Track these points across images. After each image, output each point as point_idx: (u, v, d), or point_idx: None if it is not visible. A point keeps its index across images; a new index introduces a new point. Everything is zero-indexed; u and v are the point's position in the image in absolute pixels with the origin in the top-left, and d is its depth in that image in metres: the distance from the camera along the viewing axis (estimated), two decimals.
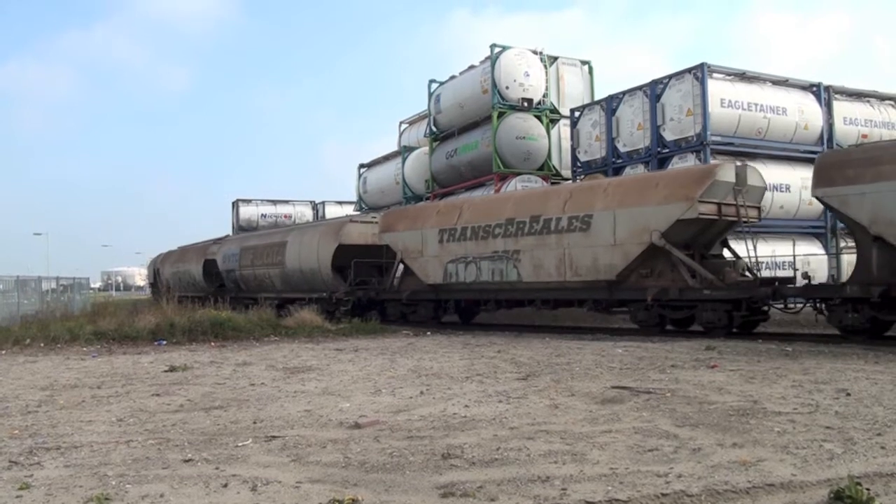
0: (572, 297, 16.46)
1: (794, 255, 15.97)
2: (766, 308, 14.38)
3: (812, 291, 13.43)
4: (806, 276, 13.95)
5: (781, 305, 14.06)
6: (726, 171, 14.42)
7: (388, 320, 20.31)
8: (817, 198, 13.23)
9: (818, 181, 12.87)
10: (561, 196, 16.62)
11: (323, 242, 22.41)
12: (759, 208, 15.39)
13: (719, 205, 14.18)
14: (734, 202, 14.37)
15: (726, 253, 15.91)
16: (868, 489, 4.03)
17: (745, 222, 14.62)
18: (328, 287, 22.09)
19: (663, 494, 4.12)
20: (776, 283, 14.07)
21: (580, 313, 18.09)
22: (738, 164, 15.24)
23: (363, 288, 21.37)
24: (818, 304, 13.42)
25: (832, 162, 13.05)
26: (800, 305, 14.09)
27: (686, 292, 14.31)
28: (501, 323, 19.83)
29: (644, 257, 14.75)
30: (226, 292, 27.44)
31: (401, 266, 20.53)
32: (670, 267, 14.69)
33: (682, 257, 14.35)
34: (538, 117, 26.14)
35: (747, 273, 14.89)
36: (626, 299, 15.49)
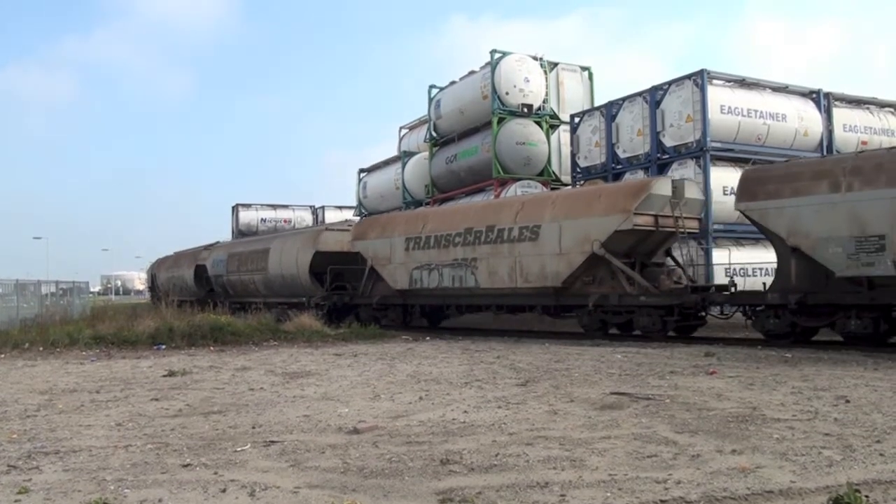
0: (524, 302, 17.43)
1: None
2: (702, 314, 15.14)
3: (738, 298, 14.30)
4: (733, 283, 14.64)
5: (718, 311, 15.07)
6: (662, 185, 15.30)
7: (362, 324, 20.63)
8: (741, 211, 13.86)
9: (741, 195, 13.62)
10: (513, 207, 17.48)
11: (301, 250, 23.25)
12: (698, 220, 16.21)
13: (656, 217, 14.95)
14: (671, 214, 15.08)
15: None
16: (867, 496, 4.04)
17: (682, 233, 15.38)
18: (307, 292, 22.85)
19: (662, 501, 4.12)
20: (711, 290, 14.99)
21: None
22: (676, 178, 16.27)
23: (338, 293, 22.15)
24: (747, 310, 14.16)
25: (755, 177, 13.68)
26: (737, 312, 14.78)
27: (624, 298, 15.12)
28: (501, 328, 19.87)
29: (587, 266, 15.54)
30: (215, 297, 27.86)
31: (374, 273, 21.03)
32: (611, 275, 15.52)
33: (621, 266, 15.14)
34: (538, 123, 26.19)
35: (682, 280, 15.67)
36: (572, 305, 16.33)
